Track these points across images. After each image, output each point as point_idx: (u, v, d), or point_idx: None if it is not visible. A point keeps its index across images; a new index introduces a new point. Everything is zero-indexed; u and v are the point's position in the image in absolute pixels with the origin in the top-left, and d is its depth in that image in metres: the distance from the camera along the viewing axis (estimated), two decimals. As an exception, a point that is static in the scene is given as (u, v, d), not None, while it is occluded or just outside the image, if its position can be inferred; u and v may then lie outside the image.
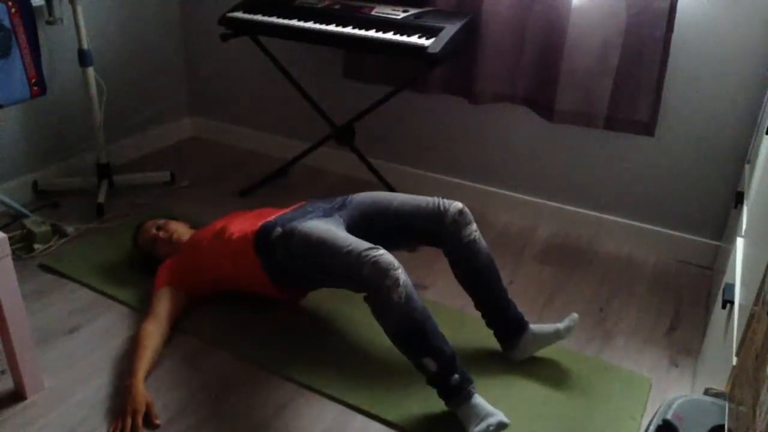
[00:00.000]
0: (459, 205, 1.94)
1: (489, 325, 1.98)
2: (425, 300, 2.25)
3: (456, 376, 1.69)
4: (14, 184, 2.79)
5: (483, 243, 1.96)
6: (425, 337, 1.68)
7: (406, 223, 1.97)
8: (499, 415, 1.65)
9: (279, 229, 1.91)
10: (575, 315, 1.92)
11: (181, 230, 2.27)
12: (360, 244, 1.74)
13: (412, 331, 1.68)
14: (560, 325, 1.91)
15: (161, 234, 2.25)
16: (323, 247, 1.79)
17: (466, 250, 1.93)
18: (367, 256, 1.70)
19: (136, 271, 2.34)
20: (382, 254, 1.70)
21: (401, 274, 1.68)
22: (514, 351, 1.95)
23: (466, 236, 1.93)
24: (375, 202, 2.03)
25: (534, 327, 1.95)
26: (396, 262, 1.70)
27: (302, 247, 1.84)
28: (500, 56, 2.53)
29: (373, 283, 1.68)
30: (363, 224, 1.99)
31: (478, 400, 1.69)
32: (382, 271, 1.66)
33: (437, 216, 1.93)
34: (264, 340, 2.02)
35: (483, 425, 1.62)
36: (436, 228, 1.94)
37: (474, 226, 1.95)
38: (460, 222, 1.92)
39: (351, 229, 1.97)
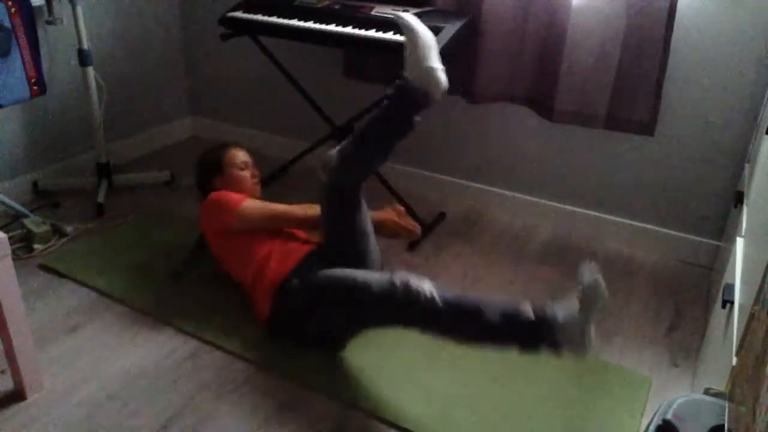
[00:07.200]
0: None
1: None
2: (425, 300, 2.25)
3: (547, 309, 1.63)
4: (14, 184, 2.79)
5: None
6: (483, 311, 1.67)
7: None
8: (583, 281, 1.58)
9: (296, 281, 1.94)
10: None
11: (259, 189, 2.34)
12: (381, 275, 1.80)
13: (473, 319, 1.68)
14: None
15: (253, 169, 2.31)
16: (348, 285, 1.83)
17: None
18: (394, 282, 1.73)
19: (136, 270, 2.34)
20: (405, 275, 1.74)
21: (427, 283, 1.71)
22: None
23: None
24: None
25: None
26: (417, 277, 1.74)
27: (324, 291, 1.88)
28: (500, 56, 2.53)
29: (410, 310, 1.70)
30: None
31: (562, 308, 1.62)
32: (414, 292, 1.68)
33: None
34: (264, 340, 2.02)
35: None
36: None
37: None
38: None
39: None
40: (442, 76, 1.89)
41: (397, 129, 1.95)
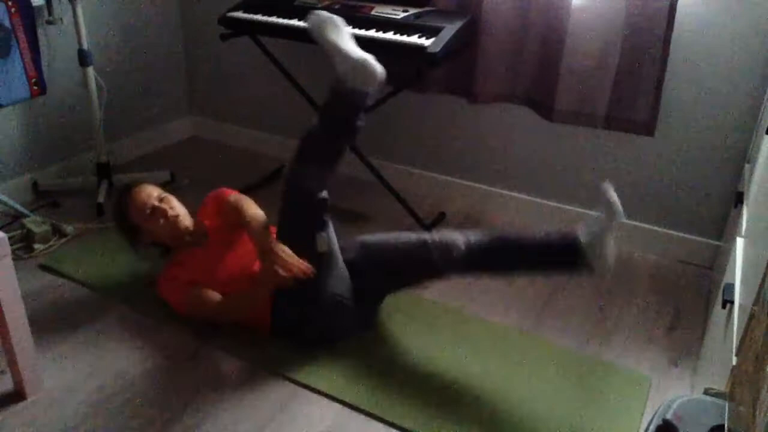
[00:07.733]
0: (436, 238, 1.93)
1: (549, 267, 1.98)
2: (425, 300, 2.25)
3: None
4: (14, 184, 2.79)
5: (475, 238, 1.93)
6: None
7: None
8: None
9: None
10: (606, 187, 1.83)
11: (183, 213, 2.10)
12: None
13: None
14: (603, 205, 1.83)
15: (164, 207, 2.05)
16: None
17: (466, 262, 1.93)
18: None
19: (136, 271, 2.34)
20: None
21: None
22: (593, 266, 1.85)
23: (457, 253, 1.91)
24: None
25: (583, 235, 1.85)
26: None
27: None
28: (500, 56, 2.53)
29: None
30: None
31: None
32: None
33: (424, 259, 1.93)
34: (264, 340, 2.01)
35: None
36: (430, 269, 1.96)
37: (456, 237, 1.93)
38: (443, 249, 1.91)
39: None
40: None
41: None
